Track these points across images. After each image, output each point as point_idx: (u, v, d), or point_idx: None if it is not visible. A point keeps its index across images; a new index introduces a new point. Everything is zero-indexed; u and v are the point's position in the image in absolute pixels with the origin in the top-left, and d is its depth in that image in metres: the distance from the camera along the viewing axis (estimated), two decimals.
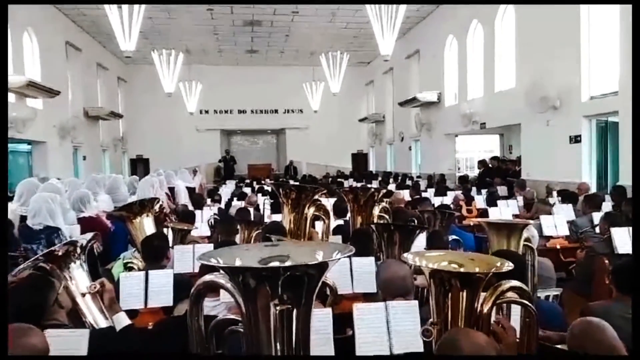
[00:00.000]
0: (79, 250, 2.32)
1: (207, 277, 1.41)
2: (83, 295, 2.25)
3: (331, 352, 2.06)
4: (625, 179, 6.92)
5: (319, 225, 4.09)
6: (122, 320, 2.32)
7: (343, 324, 2.42)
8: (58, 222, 3.83)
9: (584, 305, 2.48)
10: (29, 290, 2.14)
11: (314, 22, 13.29)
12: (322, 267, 1.27)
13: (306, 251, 1.41)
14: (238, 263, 1.32)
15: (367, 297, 2.91)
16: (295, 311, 1.26)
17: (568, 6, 7.90)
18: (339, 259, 1.31)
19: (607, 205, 5.67)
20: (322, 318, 2.09)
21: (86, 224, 4.42)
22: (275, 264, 1.28)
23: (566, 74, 8.06)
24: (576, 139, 8.01)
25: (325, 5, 11.86)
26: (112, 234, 4.64)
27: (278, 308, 1.23)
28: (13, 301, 1.97)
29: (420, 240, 3.31)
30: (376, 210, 3.98)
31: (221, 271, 1.37)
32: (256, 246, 1.60)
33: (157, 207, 3.73)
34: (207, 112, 18.99)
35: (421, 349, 2.02)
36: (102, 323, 2.27)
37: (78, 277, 2.28)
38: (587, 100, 7.79)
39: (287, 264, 1.28)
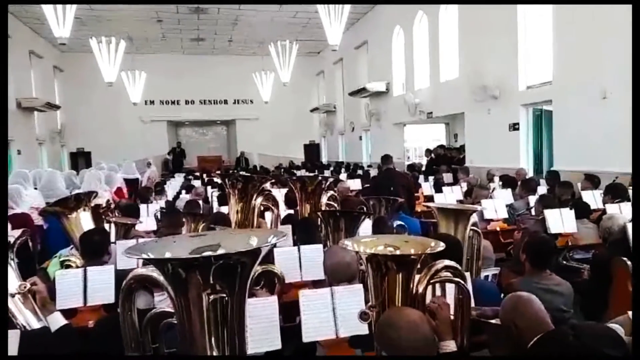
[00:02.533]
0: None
1: (138, 271, 1.37)
2: (12, 295, 2.12)
3: (278, 339, 2.06)
4: (559, 164, 7.38)
5: (269, 216, 4.08)
6: (57, 321, 2.21)
7: (292, 312, 2.44)
8: None
9: (507, 284, 2.69)
10: None
11: (262, 10, 13.10)
12: (255, 254, 1.26)
13: (239, 239, 1.40)
14: (167, 255, 1.28)
15: (316, 284, 2.93)
16: (228, 300, 1.24)
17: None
18: (269, 245, 1.30)
19: (542, 189, 6.02)
20: (267, 306, 2.09)
21: (17, 221, 4.16)
22: (208, 253, 1.25)
23: (504, 64, 8.44)
24: (514, 127, 8.43)
25: None
26: (47, 231, 4.40)
27: (211, 297, 1.22)
28: None
29: (366, 227, 3.37)
30: (324, 199, 4.02)
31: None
32: (184, 237, 1.56)
33: (103, 202, 3.57)
34: (152, 102, 18.32)
35: (366, 331, 2.07)
36: (35, 324, 2.15)
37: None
38: (524, 89, 8.20)
39: (219, 252, 1.26)
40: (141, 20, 13.55)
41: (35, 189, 5.69)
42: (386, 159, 6.43)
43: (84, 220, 3.23)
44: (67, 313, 2.71)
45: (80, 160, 17.23)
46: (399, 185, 5.86)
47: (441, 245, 1.56)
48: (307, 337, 2.12)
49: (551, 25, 7.48)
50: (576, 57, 6.90)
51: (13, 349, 1.80)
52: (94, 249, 2.92)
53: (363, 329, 2.10)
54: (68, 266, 2.96)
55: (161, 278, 1.30)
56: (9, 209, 4.19)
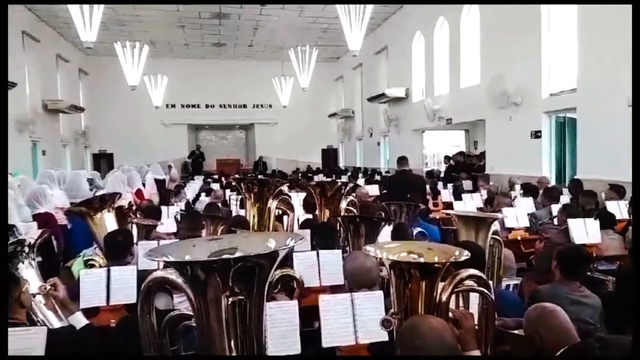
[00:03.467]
0: (27, 249, 2.23)
1: (157, 274, 1.38)
2: (34, 295, 2.16)
3: (297, 343, 2.06)
4: (582, 173, 7.22)
5: (286, 220, 4.09)
6: (79, 321, 2.25)
7: (311, 316, 2.44)
8: (12, 219, 3.67)
9: (533, 290, 2.62)
10: None
11: (283, 15, 13.20)
12: (273, 256, 1.26)
13: (256, 242, 1.40)
14: (187, 258, 1.30)
15: (335, 290, 2.93)
16: (247, 302, 1.25)
17: (529, 5, 8.14)
18: (286, 248, 1.31)
19: (565, 198, 5.90)
20: (287, 310, 2.10)
21: (41, 220, 4.26)
22: (226, 256, 1.26)
23: (527, 71, 8.32)
24: (537, 134, 8.29)
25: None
26: (71, 231, 4.49)
27: (230, 300, 1.22)
28: None
29: (386, 233, 3.35)
30: (343, 204, 4.01)
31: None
32: (203, 241, 1.58)
33: (125, 204, 3.63)
34: (173, 106, 18.59)
35: (386, 338, 2.05)
36: (56, 324, 2.20)
37: (28, 277, 2.19)
38: (547, 97, 8.07)
39: (237, 255, 1.27)
40: (164, 25, 13.80)
41: (60, 189, 5.83)
42: (402, 160, 6.40)
43: (108, 221, 3.29)
44: (89, 312, 2.77)
45: (103, 161, 17.57)
46: (414, 188, 5.84)
47: (466, 254, 1.54)
48: (326, 342, 2.12)
49: (575, 30, 7.36)
50: (601, 64, 6.77)
51: (40, 345, 1.84)
52: (118, 250, 2.97)
53: (383, 335, 2.09)
54: (92, 266, 3.02)
55: (180, 280, 1.32)
56: (33, 209, 4.30)
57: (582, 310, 2.46)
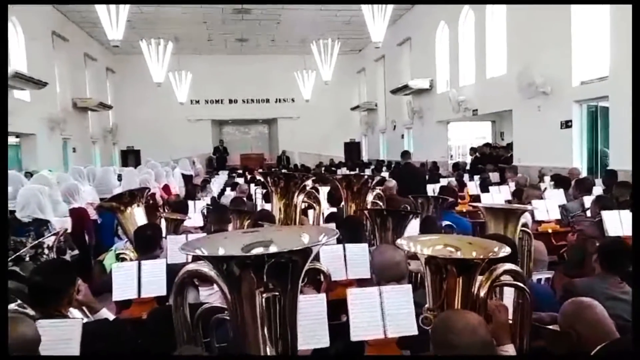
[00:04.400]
0: (46, 250, 2.28)
1: (191, 267, 1.39)
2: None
3: (326, 337, 2.06)
4: (616, 163, 6.98)
5: (311, 214, 4.08)
6: (107, 317, 2.31)
7: (337, 310, 2.43)
8: (47, 215, 3.78)
9: (568, 282, 2.53)
10: (50, 273, 2.11)
11: (304, 9, 13.16)
12: (307, 252, 1.26)
13: (290, 236, 1.40)
14: (221, 251, 1.30)
15: (361, 284, 2.91)
16: (281, 298, 1.25)
17: None
18: (322, 243, 1.30)
19: (598, 190, 5.72)
20: (316, 303, 2.09)
21: (76, 215, 4.38)
22: (259, 249, 1.26)
23: (557, 59, 8.06)
24: (567, 124, 8.05)
25: None
26: (100, 226, 4.61)
27: (264, 295, 1.22)
28: (38, 273, 1.94)
29: (414, 226, 3.31)
30: (370, 197, 3.98)
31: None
32: (236, 233, 1.58)
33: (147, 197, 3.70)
34: (197, 102, 18.83)
35: (415, 332, 2.03)
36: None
37: None
38: (578, 85, 7.81)
39: (271, 248, 1.27)
40: (187, 22, 13.94)
41: (90, 185, 5.99)
42: (405, 154, 7.22)
43: (137, 216, 3.36)
44: (121, 305, 2.83)
45: (130, 157, 17.96)
46: (419, 179, 6.49)
47: (505, 250, 1.50)
48: (355, 335, 2.11)
49: (608, 15, 7.08)
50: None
51: (76, 337, 1.88)
52: (147, 243, 3.02)
53: (412, 329, 2.07)
54: (123, 259, 3.09)
55: (212, 273, 1.32)
56: (69, 203, 4.42)
57: (618, 306, 2.37)
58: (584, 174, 7.50)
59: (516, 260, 2.25)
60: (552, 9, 8.12)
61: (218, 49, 17.66)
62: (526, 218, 3.05)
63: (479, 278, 1.55)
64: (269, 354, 1.31)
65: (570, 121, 7.98)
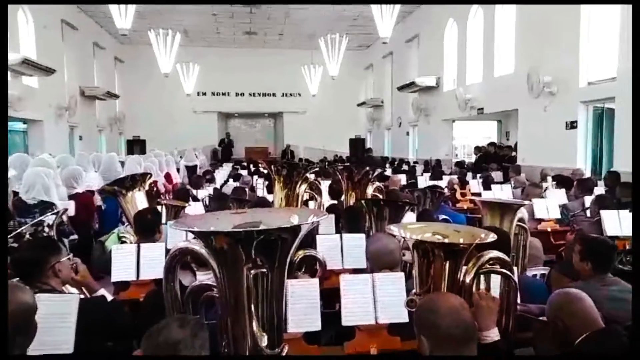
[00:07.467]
0: (47, 229, 2.32)
1: (182, 244, 1.43)
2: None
3: (318, 320, 2.10)
4: (620, 165, 6.94)
5: (312, 205, 4.12)
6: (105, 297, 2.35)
7: (332, 299, 2.46)
8: (52, 197, 3.84)
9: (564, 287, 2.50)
10: (31, 246, 2.15)
11: (313, 4, 13.14)
12: (295, 230, 1.29)
13: (279, 217, 1.43)
14: (212, 229, 1.33)
15: (357, 273, 2.94)
16: (269, 275, 1.28)
17: None
18: (309, 223, 1.33)
19: (599, 190, 5.70)
20: (309, 287, 2.13)
21: (82, 200, 4.44)
22: (250, 228, 1.29)
23: (565, 59, 8.02)
24: (572, 125, 8.01)
25: None
26: (104, 212, 4.66)
27: (252, 271, 1.26)
28: (15, 254, 1.98)
29: (409, 218, 3.33)
30: (370, 190, 4.01)
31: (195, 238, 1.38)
32: (226, 214, 1.62)
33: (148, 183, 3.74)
34: (204, 94, 18.88)
35: (406, 319, 2.06)
36: None
37: None
38: (585, 86, 7.77)
39: (261, 227, 1.30)
40: (196, 13, 13.97)
41: (95, 172, 6.05)
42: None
43: (138, 200, 3.40)
44: (119, 287, 2.88)
45: (136, 147, 18.05)
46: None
47: (492, 236, 1.52)
48: (346, 320, 2.14)
49: (618, 16, 7.03)
50: None
51: (73, 312, 1.93)
52: (147, 227, 3.07)
53: (403, 316, 2.10)
54: (124, 242, 3.14)
55: (204, 251, 1.36)
56: (70, 188, 4.48)
57: (622, 307, 2.33)
58: (587, 175, 7.48)
59: (508, 252, 2.27)
60: (561, 9, 8.07)
61: (226, 42, 17.68)
62: (522, 213, 3.05)
63: (466, 266, 1.58)
64: (255, 330, 1.34)
65: (576, 122, 7.94)
